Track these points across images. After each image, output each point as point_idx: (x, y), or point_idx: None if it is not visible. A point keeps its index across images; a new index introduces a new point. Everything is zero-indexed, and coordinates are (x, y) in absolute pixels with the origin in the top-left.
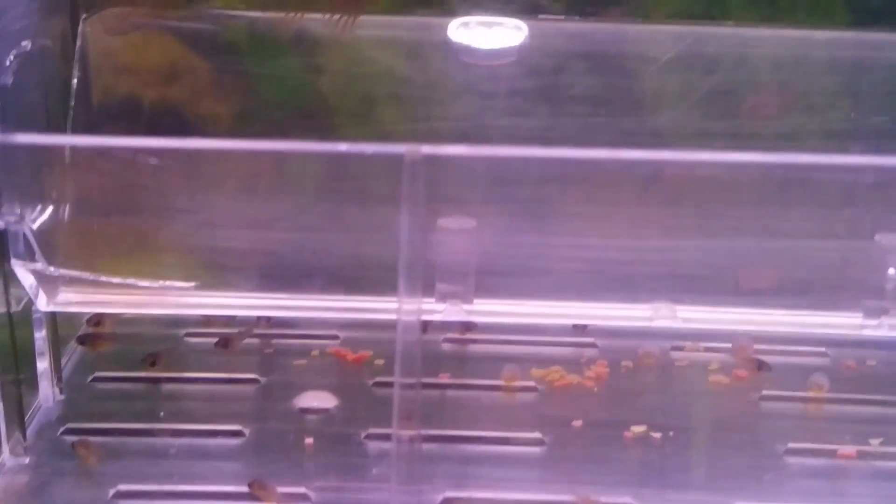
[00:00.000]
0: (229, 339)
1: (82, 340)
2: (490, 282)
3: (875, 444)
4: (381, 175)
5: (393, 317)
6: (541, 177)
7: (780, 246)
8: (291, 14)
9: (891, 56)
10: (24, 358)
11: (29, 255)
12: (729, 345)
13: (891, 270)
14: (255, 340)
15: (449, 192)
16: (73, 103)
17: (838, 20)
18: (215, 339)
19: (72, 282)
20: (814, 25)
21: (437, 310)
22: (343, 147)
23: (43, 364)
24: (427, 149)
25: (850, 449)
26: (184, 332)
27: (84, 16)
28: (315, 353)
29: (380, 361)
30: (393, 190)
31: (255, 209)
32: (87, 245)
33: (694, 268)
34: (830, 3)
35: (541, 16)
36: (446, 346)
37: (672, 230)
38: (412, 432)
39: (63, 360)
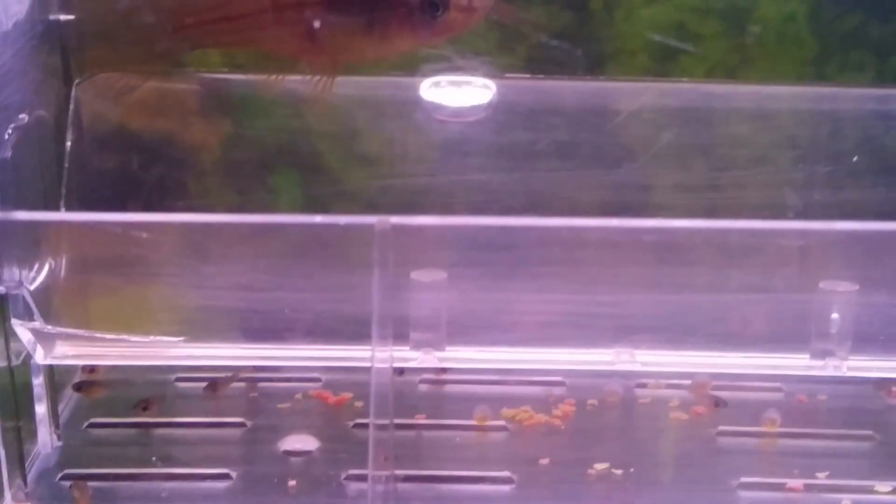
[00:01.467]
0: (217, 383)
1: (78, 387)
2: (461, 331)
3: (821, 478)
4: (356, 240)
5: (368, 364)
6: (506, 241)
7: (735, 298)
8: (274, 76)
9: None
10: (23, 406)
11: (28, 315)
12: (689, 381)
13: (834, 315)
14: (242, 384)
15: (418, 255)
16: (67, 165)
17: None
18: (204, 384)
19: (67, 336)
20: (770, 81)
21: (412, 357)
22: (318, 219)
23: (41, 411)
24: (396, 219)
25: (797, 482)
26: (174, 376)
27: (77, 81)
28: (298, 396)
29: (359, 403)
30: (367, 253)
31: (239, 271)
32: (81, 302)
33: (652, 318)
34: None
35: (508, 74)
36: (423, 387)
37: (629, 285)
38: (387, 472)
39: (60, 407)
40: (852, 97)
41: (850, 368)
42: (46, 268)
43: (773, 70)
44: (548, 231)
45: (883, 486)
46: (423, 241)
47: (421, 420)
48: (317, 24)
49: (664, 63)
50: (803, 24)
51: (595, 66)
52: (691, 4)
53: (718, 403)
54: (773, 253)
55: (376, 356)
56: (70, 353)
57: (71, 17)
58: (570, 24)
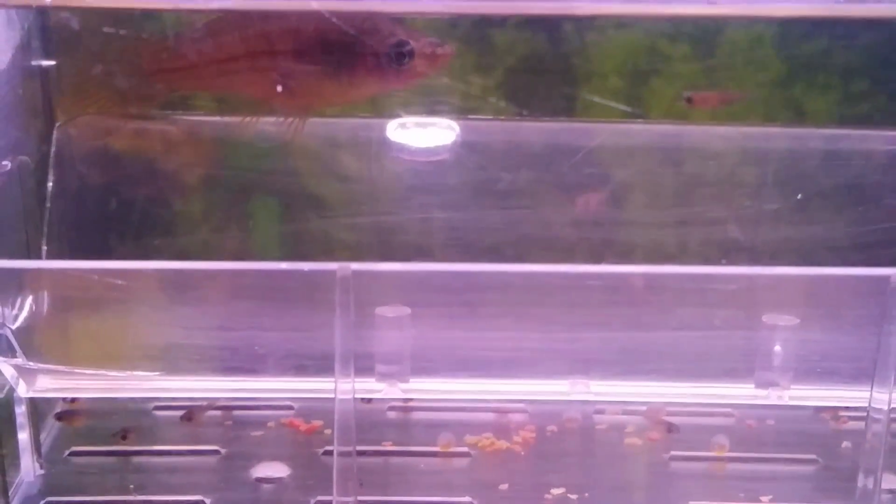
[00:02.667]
0: (193, 412)
1: (59, 417)
2: (424, 364)
3: (765, 500)
4: (321, 284)
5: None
6: (463, 284)
7: (685, 334)
8: (249, 118)
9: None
10: (6, 436)
11: (10, 352)
12: (645, 408)
13: (776, 347)
14: (217, 413)
15: (379, 296)
16: (49, 206)
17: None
18: (181, 413)
19: (48, 371)
20: (722, 122)
21: (377, 389)
22: (284, 266)
23: (24, 440)
24: (356, 266)
25: None
26: (152, 406)
27: (58, 123)
28: (271, 424)
29: (329, 431)
30: (332, 295)
31: (211, 312)
32: (61, 339)
33: (606, 353)
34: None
35: (470, 116)
36: (391, 415)
37: (584, 324)
38: (351, 498)
39: (42, 436)
40: (799, 137)
41: (791, 398)
42: (28, 308)
43: (741, 91)
44: (502, 276)
45: None
46: (385, 283)
47: (388, 447)
48: (287, 70)
49: (635, 85)
50: (769, 47)
51: (568, 87)
52: (661, 28)
53: (671, 429)
54: (719, 292)
55: (339, 388)
56: (51, 386)
57: (53, 62)
58: (543, 47)
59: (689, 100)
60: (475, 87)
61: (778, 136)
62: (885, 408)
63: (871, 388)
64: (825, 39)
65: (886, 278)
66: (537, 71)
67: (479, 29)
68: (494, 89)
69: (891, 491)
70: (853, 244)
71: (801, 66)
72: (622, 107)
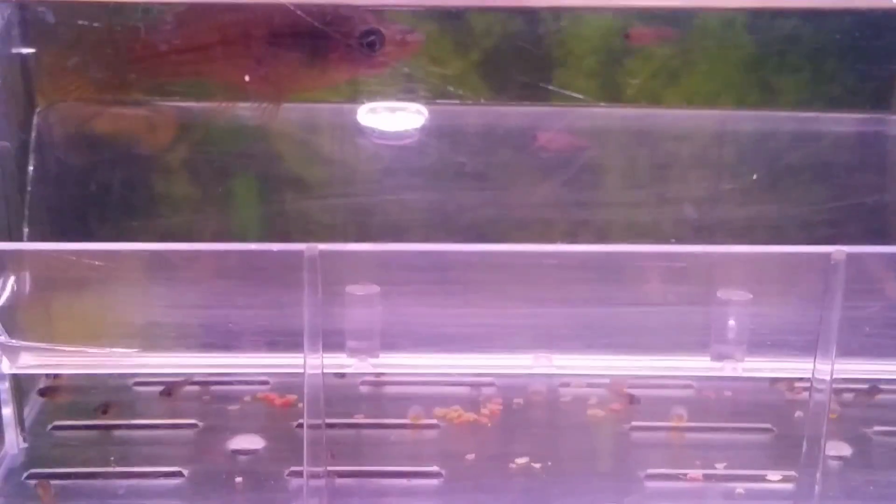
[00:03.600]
0: (172, 387)
1: (42, 393)
2: (394, 340)
3: (720, 468)
4: (291, 264)
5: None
6: (429, 263)
7: (644, 310)
8: (224, 104)
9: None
10: None
11: None
12: (608, 380)
13: (730, 322)
14: (196, 388)
15: (347, 274)
16: (29, 189)
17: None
18: (160, 388)
19: (31, 348)
20: (692, 104)
21: (348, 364)
22: (253, 247)
23: (8, 415)
24: (323, 246)
25: (698, 473)
26: (132, 381)
27: (38, 109)
28: (247, 398)
29: (302, 405)
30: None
31: (186, 291)
32: (43, 318)
33: (569, 328)
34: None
35: (438, 100)
36: (363, 389)
37: (547, 300)
38: (321, 469)
39: (25, 411)
40: (765, 119)
41: (744, 369)
42: (10, 288)
43: (713, 72)
44: (466, 255)
45: (774, 475)
46: (353, 263)
47: (359, 419)
48: (261, 57)
49: (610, 66)
50: (741, 28)
51: (544, 69)
52: (635, 11)
53: (633, 401)
54: (675, 270)
55: (308, 363)
56: (34, 363)
57: (32, 50)
58: (520, 29)
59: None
60: (451, 69)
61: (749, 119)
62: (828, 378)
63: (815, 359)
64: (795, 19)
65: (828, 255)
66: (511, 54)
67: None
68: (467, 73)
69: (836, 457)
70: (822, 221)
71: (773, 47)
72: (576, 95)
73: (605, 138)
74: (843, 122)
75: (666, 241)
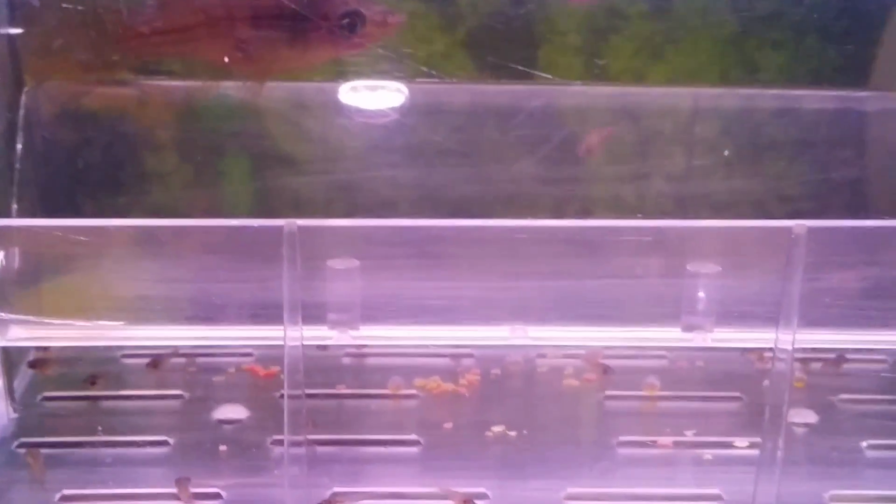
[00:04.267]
0: (159, 359)
1: (32, 364)
2: (374, 312)
3: (689, 435)
4: (272, 239)
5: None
6: (405, 238)
7: (616, 283)
8: (210, 82)
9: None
10: None
11: None
12: (584, 351)
13: (700, 293)
14: (182, 360)
15: (327, 249)
16: (18, 166)
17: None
18: (147, 360)
19: (20, 322)
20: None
21: (329, 336)
22: (234, 222)
23: None
24: (301, 222)
25: (668, 440)
26: (120, 353)
27: (26, 88)
28: (232, 370)
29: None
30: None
31: (170, 266)
32: (32, 292)
33: (544, 301)
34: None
35: (418, 79)
36: (346, 360)
37: (523, 274)
38: (301, 437)
39: (16, 382)
40: (751, 96)
41: (714, 340)
42: None
43: (696, 48)
44: (441, 230)
45: (741, 442)
46: (331, 238)
47: (341, 390)
48: (245, 37)
49: (595, 42)
50: (724, 4)
51: (529, 46)
52: None
53: (607, 371)
54: (647, 244)
55: (288, 335)
56: (23, 335)
57: (20, 30)
58: (505, 6)
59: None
60: (437, 45)
61: (730, 96)
62: (790, 347)
63: (777, 330)
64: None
65: (789, 229)
66: (496, 30)
67: None
68: (452, 50)
69: (802, 424)
70: (802, 194)
71: (755, 23)
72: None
73: (588, 117)
74: (822, 98)
75: (650, 214)
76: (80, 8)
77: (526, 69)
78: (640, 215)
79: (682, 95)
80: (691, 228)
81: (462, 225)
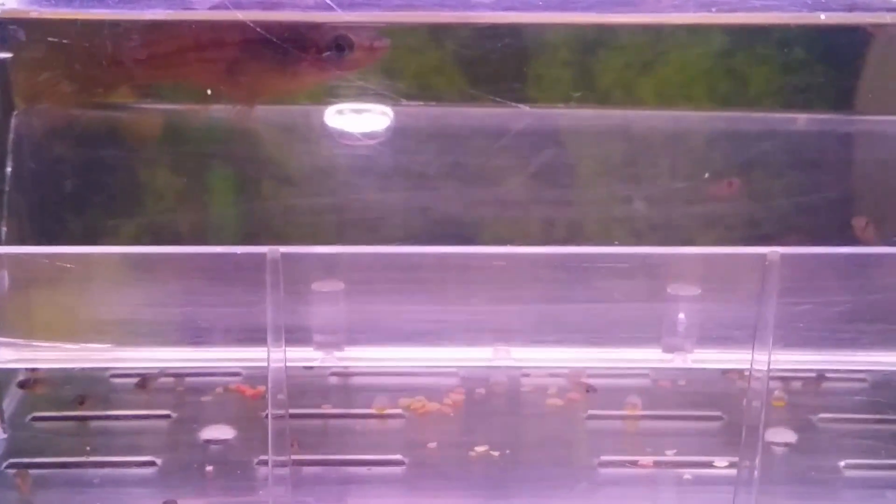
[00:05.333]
0: (147, 379)
1: (22, 385)
2: (359, 334)
3: (670, 455)
4: (257, 265)
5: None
6: (388, 264)
7: (599, 306)
8: (199, 106)
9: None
10: None
11: None
12: (567, 371)
13: (680, 315)
14: (170, 380)
15: (311, 273)
16: (6, 189)
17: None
18: (135, 380)
19: (9, 344)
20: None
21: (315, 357)
22: (219, 249)
23: None
24: (284, 249)
25: (649, 459)
26: (109, 373)
27: (15, 112)
28: (219, 389)
29: None
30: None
31: (156, 290)
32: (21, 315)
33: (528, 323)
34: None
35: (403, 101)
36: (332, 380)
37: (507, 298)
38: (285, 457)
39: (5, 403)
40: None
41: (693, 360)
42: None
43: (685, 62)
44: (422, 257)
45: (721, 462)
46: (316, 263)
47: (327, 409)
48: (235, 62)
49: (584, 55)
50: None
51: (520, 60)
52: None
53: (589, 390)
54: (629, 269)
55: (271, 357)
56: (13, 357)
57: (9, 55)
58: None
59: None
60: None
61: (718, 118)
62: (765, 368)
63: (752, 351)
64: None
65: (763, 256)
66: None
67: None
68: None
69: (781, 444)
70: (794, 212)
71: (743, 37)
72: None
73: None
74: (810, 122)
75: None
76: (70, 40)
77: (512, 92)
78: (616, 242)
79: (668, 118)
80: (671, 255)
81: (444, 252)
